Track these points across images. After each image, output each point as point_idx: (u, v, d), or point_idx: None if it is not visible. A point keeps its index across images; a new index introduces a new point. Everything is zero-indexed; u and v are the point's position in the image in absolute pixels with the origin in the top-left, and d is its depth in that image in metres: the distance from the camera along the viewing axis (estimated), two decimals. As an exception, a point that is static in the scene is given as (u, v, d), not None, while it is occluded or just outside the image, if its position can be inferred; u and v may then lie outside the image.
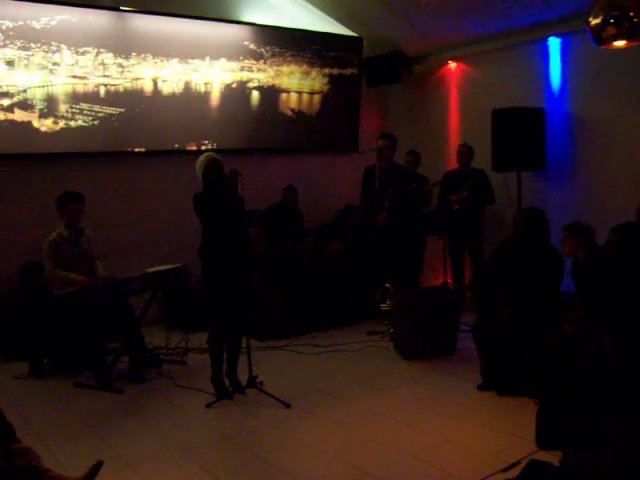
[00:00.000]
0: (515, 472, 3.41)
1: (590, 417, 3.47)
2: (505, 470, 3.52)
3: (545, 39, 7.03)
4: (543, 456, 3.57)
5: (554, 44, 7.02)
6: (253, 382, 4.95)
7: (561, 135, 7.01)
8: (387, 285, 6.49)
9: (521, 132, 6.73)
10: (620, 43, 4.86)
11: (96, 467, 3.11)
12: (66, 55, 6.61)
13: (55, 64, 6.56)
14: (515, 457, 3.65)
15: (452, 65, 8.25)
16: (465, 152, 7.28)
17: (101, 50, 6.81)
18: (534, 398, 4.34)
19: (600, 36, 4.88)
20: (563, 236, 4.75)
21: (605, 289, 4.24)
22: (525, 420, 4.13)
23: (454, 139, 8.16)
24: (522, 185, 6.95)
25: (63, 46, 6.57)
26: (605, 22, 4.79)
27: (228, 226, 4.86)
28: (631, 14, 4.69)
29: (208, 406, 4.81)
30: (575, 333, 4.37)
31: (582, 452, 3.07)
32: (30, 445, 3.31)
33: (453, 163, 7.56)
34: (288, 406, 4.74)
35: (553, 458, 3.46)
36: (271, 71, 8.07)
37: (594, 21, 4.84)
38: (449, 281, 7.52)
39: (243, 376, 5.02)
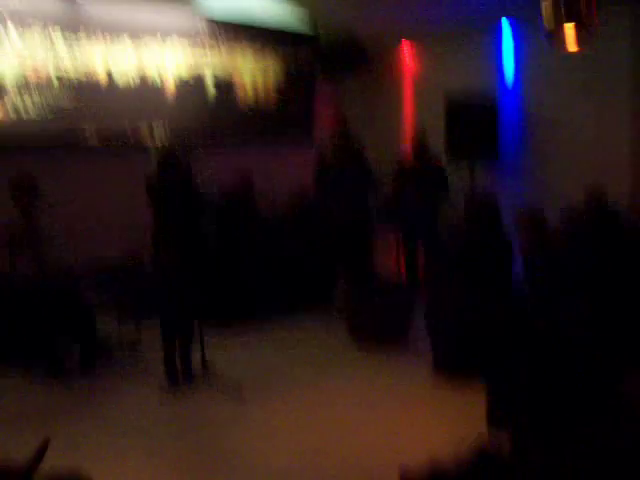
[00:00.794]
0: (468, 450, 3.45)
1: (540, 396, 3.55)
2: (458, 449, 3.56)
3: (499, 25, 7.08)
4: (494, 434, 3.63)
5: (508, 31, 7.08)
6: (206, 366, 4.92)
7: (514, 124, 7.11)
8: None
9: (474, 121, 6.80)
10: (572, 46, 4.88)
11: (42, 448, 3.00)
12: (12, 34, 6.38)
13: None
14: (468, 436, 3.70)
15: (406, 51, 8.25)
16: (419, 141, 7.33)
17: (49, 29, 6.59)
18: (485, 378, 4.41)
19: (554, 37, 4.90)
20: (517, 225, 4.72)
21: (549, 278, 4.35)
22: (476, 400, 4.19)
23: (409, 128, 8.21)
24: (475, 175, 7.03)
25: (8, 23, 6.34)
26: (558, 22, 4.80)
27: (180, 212, 4.82)
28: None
29: (162, 393, 4.77)
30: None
31: (531, 429, 3.14)
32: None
33: (408, 152, 7.60)
34: (242, 391, 4.73)
35: (504, 435, 3.52)
36: (226, 62, 8.01)
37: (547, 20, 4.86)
38: (402, 270, 7.57)
39: (196, 361, 4.98)
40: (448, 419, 4.16)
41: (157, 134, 7.49)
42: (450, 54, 7.71)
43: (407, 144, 7.55)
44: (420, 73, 8.19)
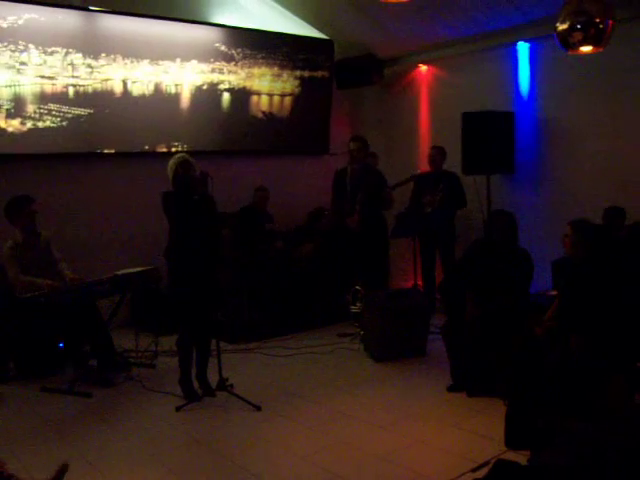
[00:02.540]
0: (484, 472, 3.42)
1: (557, 417, 3.51)
2: (474, 470, 3.54)
3: (514, 43, 7.12)
4: (511, 456, 3.60)
5: (523, 48, 7.11)
6: (223, 385, 4.92)
7: (530, 138, 7.10)
8: (357, 287, 6.51)
9: (491, 135, 6.80)
10: (586, 48, 4.92)
11: (61, 471, 3.04)
12: (34, 55, 6.51)
13: (22, 64, 6.46)
14: (484, 457, 3.68)
15: (423, 68, 8.31)
16: (438, 155, 7.34)
17: (70, 50, 6.72)
18: (503, 399, 4.38)
19: (567, 41, 4.94)
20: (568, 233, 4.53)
21: (574, 290, 4.29)
22: (494, 421, 4.16)
23: (425, 142, 8.22)
24: (491, 188, 7.02)
25: (31, 45, 6.47)
26: (572, 28, 4.85)
27: (196, 226, 4.83)
28: (597, 20, 4.76)
29: (178, 409, 4.77)
30: (545, 334, 4.41)
31: (549, 451, 3.10)
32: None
33: (424, 165, 7.60)
34: (258, 409, 4.73)
35: (521, 458, 3.49)
36: (242, 73, 8.06)
37: (561, 27, 4.90)
38: (419, 283, 7.55)
39: (213, 379, 4.99)
40: (465, 439, 4.12)
41: (175, 148, 7.55)
42: (467, 71, 7.72)
43: (424, 158, 7.54)
44: (437, 87, 8.18)
